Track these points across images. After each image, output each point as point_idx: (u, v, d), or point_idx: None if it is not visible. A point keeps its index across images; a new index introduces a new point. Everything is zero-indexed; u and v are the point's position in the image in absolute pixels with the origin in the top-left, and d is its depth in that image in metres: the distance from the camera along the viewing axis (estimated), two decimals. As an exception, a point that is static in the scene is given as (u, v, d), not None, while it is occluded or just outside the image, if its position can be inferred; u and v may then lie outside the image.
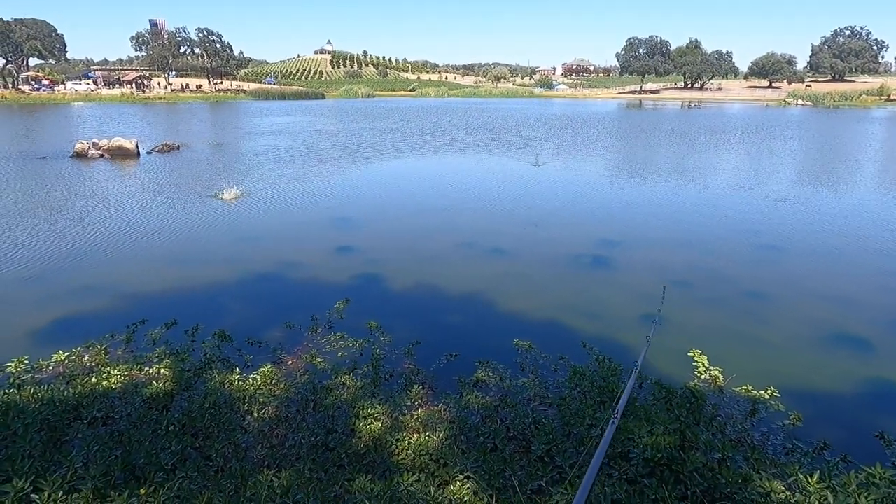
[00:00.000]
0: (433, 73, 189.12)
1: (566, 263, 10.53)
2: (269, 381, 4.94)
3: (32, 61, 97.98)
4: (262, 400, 4.63)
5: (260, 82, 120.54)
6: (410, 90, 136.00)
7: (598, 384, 4.86)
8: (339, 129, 41.36)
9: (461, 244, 11.64)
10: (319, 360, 5.60)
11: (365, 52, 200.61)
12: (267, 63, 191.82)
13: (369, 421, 4.28)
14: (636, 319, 7.83)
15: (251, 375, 4.99)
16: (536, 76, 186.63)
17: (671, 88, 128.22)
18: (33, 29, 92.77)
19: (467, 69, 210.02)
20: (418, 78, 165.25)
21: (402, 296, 8.72)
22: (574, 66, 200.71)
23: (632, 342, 6.92)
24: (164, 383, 4.71)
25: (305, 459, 3.82)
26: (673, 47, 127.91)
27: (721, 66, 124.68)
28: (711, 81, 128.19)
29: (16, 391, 4.29)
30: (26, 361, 5.00)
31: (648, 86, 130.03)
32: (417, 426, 4.26)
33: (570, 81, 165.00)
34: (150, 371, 4.99)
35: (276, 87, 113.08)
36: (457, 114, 62.44)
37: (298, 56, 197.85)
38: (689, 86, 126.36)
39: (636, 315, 7.97)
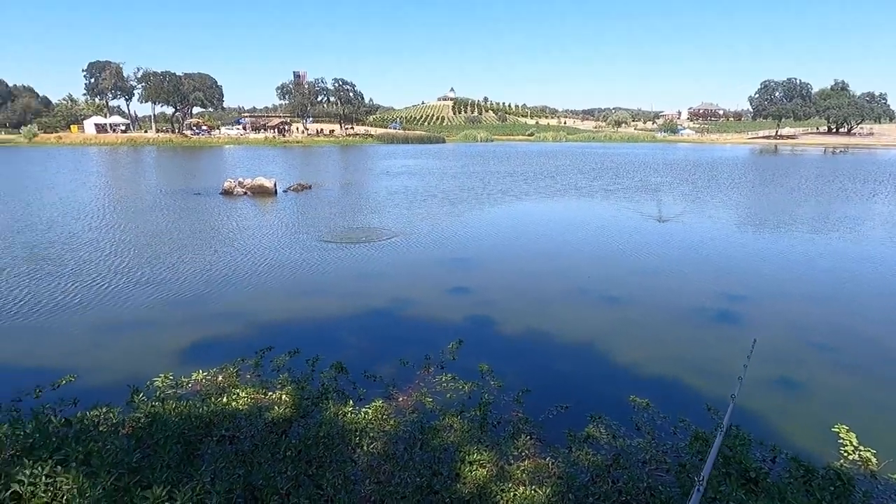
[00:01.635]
0: (552, 117, 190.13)
1: (688, 316, 9.88)
2: (379, 416, 5.05)
3: (196, 109, 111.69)
4: (372, 434, 4.74)
5: (386, 127, 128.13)
6: (528, 135, 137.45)
7: (723, 453, 4.45)
8: (461, 171, 42.59)
9: (576, 290, 11.36)
10: (429, 399, 5.65)
11: (485, 99, 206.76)
12: (393, 109, 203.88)
13: (475, 467, 4.22)
14: (767, 383, 7.12)
15: (363, 409, 5.13)
16: (660, 120, 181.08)
17: (812, 133, 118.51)
18: (198, 82, 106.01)
19: (587, 114, 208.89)
20: (536, 123, 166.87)
21: (514, 340, 8.63)
22: (701, 110, 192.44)
23: (760, 409, 6.29)
24: (285, 409, 4.98)
25: (410, 500, 3.83)
26: (815, 90, 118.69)
27: (873, 108, 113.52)
28: (861, 126, 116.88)
29: (160, 404, 4.73)
30: (170, 378, 5.53)
31: (785, 130, 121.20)
32: (523, 478, 4.13)
33: (697, 126, 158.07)
34: (274, 396, 5.29)
35: (400, 131, 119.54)
36: (576, 158, 61.98)
37: (423, 103, 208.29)
38: (835, 130, 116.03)
39: (767, 378, 7.26)
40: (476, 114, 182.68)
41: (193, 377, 5.79)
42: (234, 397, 5.10)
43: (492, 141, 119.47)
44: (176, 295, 10.55)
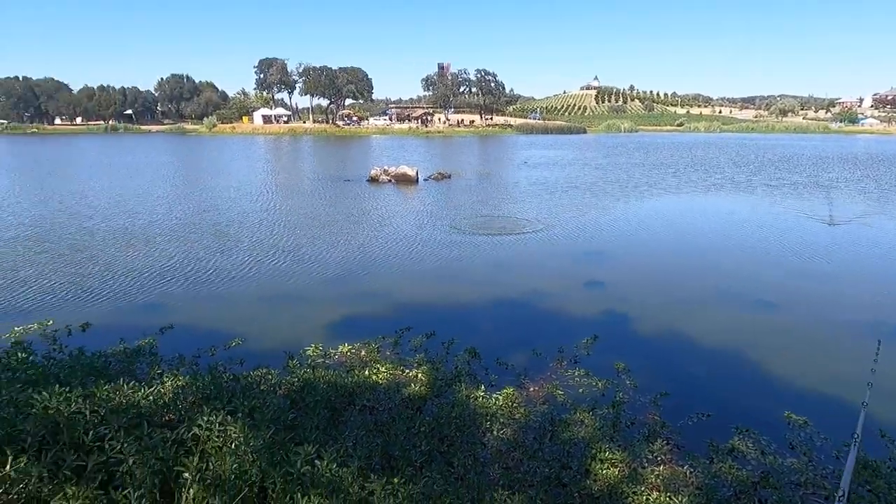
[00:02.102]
0: (705, 106, 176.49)
1: (857, 329, 8.73)
2: (510, 404, 5.10)
3: (347, 101, 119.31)
4: (502, 420, 4.80)
5: (526, 117, 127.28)
6: (678, 125, 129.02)
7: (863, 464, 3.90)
8: (603, 162, 41.24)
9: (724, 291, 10.53)
10: (560, 392, 5.59)
11: (632, 87, 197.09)
12: (534, 99, 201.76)
13: (606, 465, 4.11)
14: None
15: (494, 395, 5.21)
16: (835, 109, 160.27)
17: None
18: (351, 75, 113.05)
19: (746, 102, 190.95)
20: (687, 112, 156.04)
21: (652, 339, 8.22)
22: (890, 97, 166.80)
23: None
24: (420, 387, 5.20)
25: (538, 489, 3.83)
26: None
27: None
28: None
29: (311, 371, 5.16)
30: (320, 348, 6.02)
31: None
32: (658, 483, 3.95)
33: (884, 115, 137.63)
34: (410, 374, 5.55)
35: (540, 121, 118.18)
36: (733, 150, 57.09)
37: (564, 92, 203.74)
38: None
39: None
40: (620, 103, 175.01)
41: (340, 349, 6.25)
42: (374, 371, 5.43)
43: (636, 131, 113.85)
44: (328, 273, 11.44)
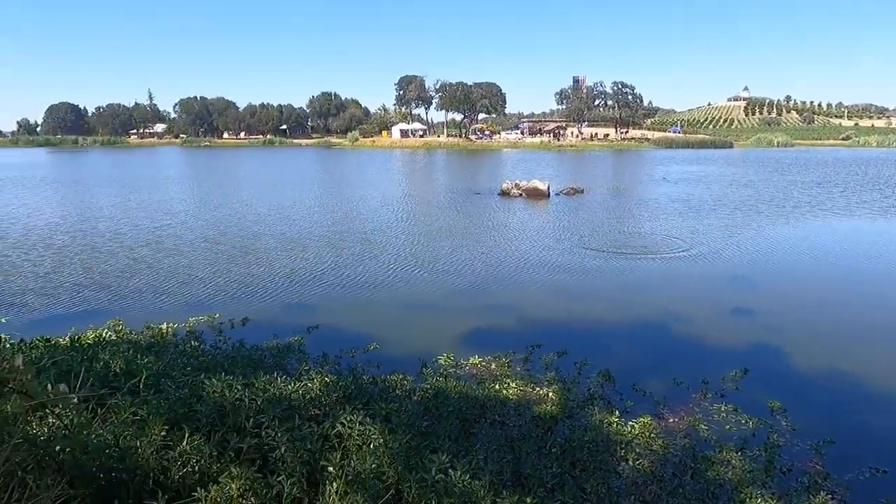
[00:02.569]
0: (878, 117, 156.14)
1: None
2: (646, 433, 4.81)
3: (481, 115, 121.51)
4: (637, 450, 4.54)
5: (665, 131, 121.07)
6: (843, 138, 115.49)
7: None
8: (754, 179, 37.96)
9: (903, 330, 9.17)
10: (703, 426, 5.18)
11: (788, 98, 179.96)
12: (674, 112, 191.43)
13: (758, 513, 3.73)
14: None
15: (630, 422, 4.95)
16: None
17: None
18: (486, 90, 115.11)
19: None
20: (856, 124, 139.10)
21: (812, 377, 7.36)
22: None
23: None
24: (551, 406, 5.09)
25: (679, 529, 3.57)
26: None
27: None
28: None
29: (443, 381, 5.25)
30: (452, 358, 6.12)
31: None
32: (822, 543, 3.51)
33: None
34: (541, 392, 5.45)
35: (680, 135, 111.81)
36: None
37: (709, 104, 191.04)
38: None
39: None
40: (774, 115, 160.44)
41: (470, 361, 6.31)
42: (505, 386, 5.40)
43: (791, 146, 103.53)
44: (461, 283, 11.67)
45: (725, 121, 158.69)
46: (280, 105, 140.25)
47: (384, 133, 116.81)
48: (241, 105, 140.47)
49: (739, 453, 4.66)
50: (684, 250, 15.30)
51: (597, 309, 10.14)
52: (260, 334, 6.83)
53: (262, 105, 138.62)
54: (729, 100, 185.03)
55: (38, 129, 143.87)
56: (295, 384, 4.35)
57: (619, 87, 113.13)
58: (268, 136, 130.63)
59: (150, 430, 3.05)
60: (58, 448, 2.63)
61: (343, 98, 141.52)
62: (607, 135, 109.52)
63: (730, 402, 5.67)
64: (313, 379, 4.57)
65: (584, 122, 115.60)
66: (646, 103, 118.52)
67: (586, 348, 7.50)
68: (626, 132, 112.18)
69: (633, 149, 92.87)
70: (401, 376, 5.28)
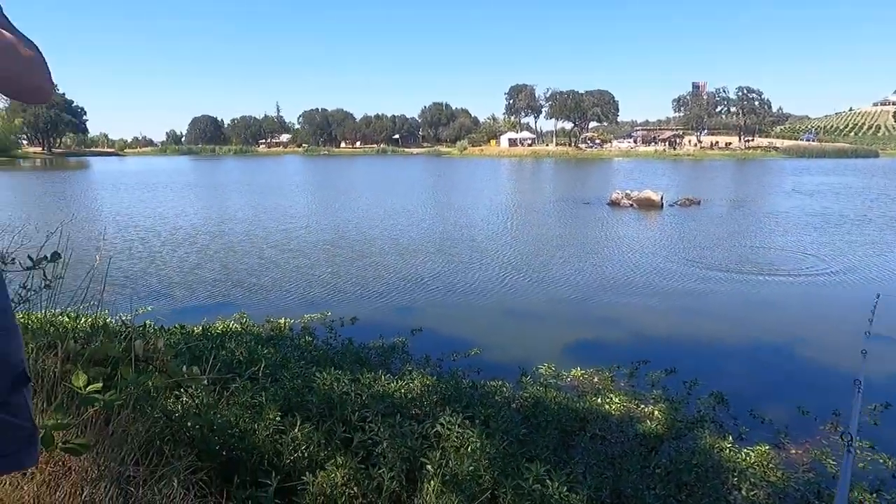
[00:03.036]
0: None
1: None
2: (764, 462, 4.47)
3: (591, 124, 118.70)
4: (752, 480, 4.23)
5: (796, 139, 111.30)
6: None
7: None
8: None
9: None
10: (831, 462, 4.72)
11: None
12: (808, 118, 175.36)
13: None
14: None
15: (744, 449, 4.62)
16: None
17: None
18: (597, 98, 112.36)
19: None
20: None
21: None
22: None
23: None
24: (656, 425, 4.87)
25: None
26: None
27: None
28: None
29: (543, 390, 5.21)
30: (553, 368, 6.06)
31: None
32: None
33: None
34: (645, 409, 5.24)
35: (814, 143, 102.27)
36: None
37: (850, 109, 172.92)
38: None
39: None
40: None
41: (571, 372, 6.20)
42: (607, 400, 5.26)
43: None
44: (564, 293, 11.48)
45: (870, 127, 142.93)
46: (393, 115, 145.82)
47: (492, 142, 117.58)
48: (358, 116, 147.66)
49: (875, 495, 4.20)
50: (819, 269, 13.95)
51: (712, 327, 9.53)
52: (367, 333, 7.16)
53: (377, 116, 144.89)
54: (875, 104, 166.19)
55: (183, 138, 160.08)
56: (398, 383, 4.52)
57: (745, 92, 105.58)
58: (381, 146, 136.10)
59: (266, 415, 3.32)
60: (189, 424, 2.94)
61: (453, 108, 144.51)
62: (728, 143, 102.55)
63: (866, 439, 5.12)
64: (415, 379, 4.72)
65: (704, 129, 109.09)
66: (774, 109, 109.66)
67: (698, 368, 7.07)
68: (752, 140, 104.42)
69: (758, 158, 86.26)
70: (500, 383, 5.31)
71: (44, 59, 1.32)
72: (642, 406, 5.31)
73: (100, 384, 2.06)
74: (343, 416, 3.60)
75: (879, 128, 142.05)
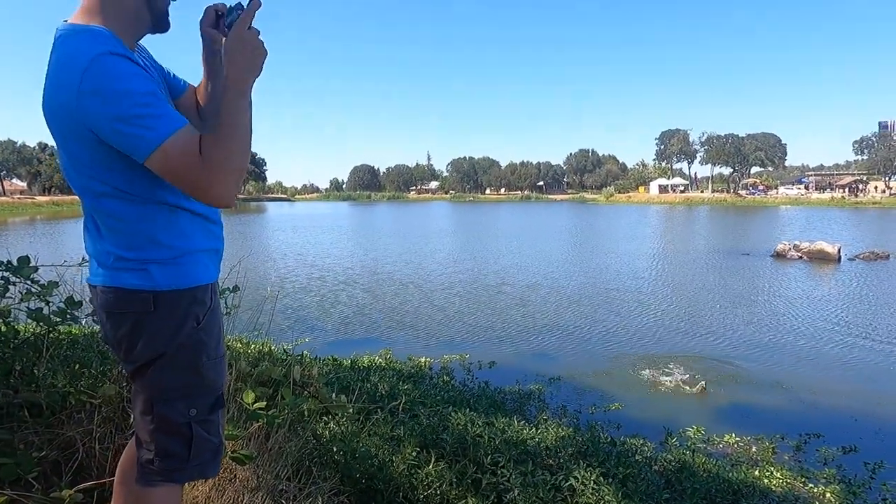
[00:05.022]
0: None
1: None
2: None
3: (753, 169, 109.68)
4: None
5: None
6: None
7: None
8: None
9: None
10: None
11: None
12: None
13: None
14: None
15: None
16: None
17: None
18: (761, 141, 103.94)
19: None
20: None
21: None
22: None
23: None
24: (830, 509, 4.26)
25: None
26: None
27: None
28: None
29: (689, 454, 4.82)
30: (703, 432, 5.57)
31: None
32: None
33: None
34: (815, 490, 4.62)
35: None
36: None
37: None
38: None
39: None
40: None
41: (724, 438, 5.66)
42: (766, 474, 4.72)
43: None
44: (718, 351, 10.58)
45: None
46: (538, 163, 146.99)
47: (641, 188, 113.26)
48: (504, 163, 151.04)
49: None
50: None
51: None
52: (504, 378, 7.16)
53: (522, 163, 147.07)
54: None
55: (344, 185, 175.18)
56: (532, 430, 4.47)
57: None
58: (525, 192, 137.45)
59: (403, 449, 3.46)
60: (335, 448, 3.16)
61: (600, 154, 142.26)
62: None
63: None
64: (550, 428, 4.64)
65: (895, 174, 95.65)
66: None
67: (884, 448, 6.07)
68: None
69: (968, 206, 73.35)
70: (642, 441, 5.02)
71: (243, 166, 1.52)
72: (811, 485, 4.69)
73: (263, 403, 2.33)
74: (475, 457, 3.63)
75: None
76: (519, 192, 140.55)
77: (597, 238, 36.17)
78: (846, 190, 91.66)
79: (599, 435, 4.77)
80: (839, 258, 23.68)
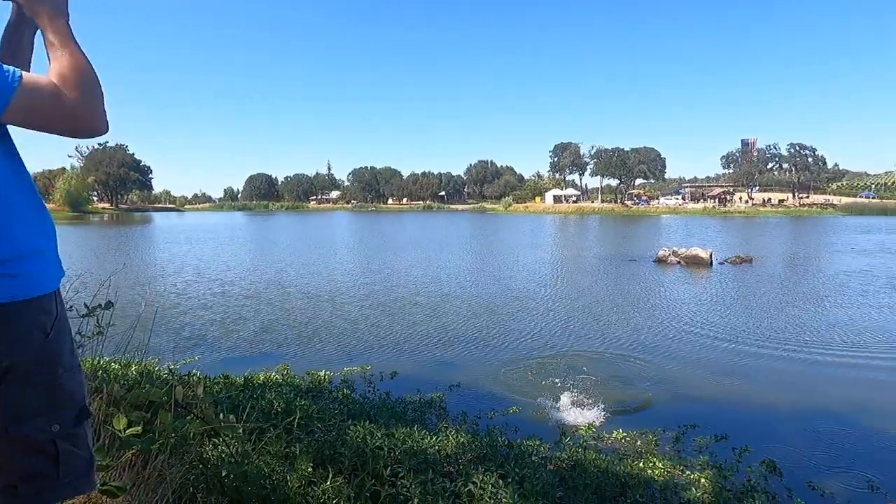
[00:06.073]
0: None
1: None
2: (822, 541, 4.16)
3: (638, 181, 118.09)
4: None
5: (854, 196, 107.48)
6: None
7: None
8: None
9: None
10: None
11: None
12: (867, 175, 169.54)
13: None
14: None
15: (802, 524, 4.33)
16: None
17: None
18: (643, 155, 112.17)
19: None
20: None
21: None
22: None
23: None
24: (702, 493, 4.62)
25: None
26: None
27: None
28: None
29: (581, 452, 5.05)
30: (593, 429, 5.86)
31: None
32: None
33: None
34: (691, 476, 4.99)
35: (875, 200, 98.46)
36: None
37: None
38: None
39: None
40: None
41: (613, 434, 5.99)
42: (650, 465, 5.04)
43: None
44: (607, 353, 11.20)
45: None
46: (440, 173, 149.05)
47: (537, 199, 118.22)
48: (405, 173, 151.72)
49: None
50: (880, 331, 13.20)
51: (766, 393, 9.05)
52: (405, 388, 7.14)
53: (424, 173, 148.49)
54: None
55: (239, 195, 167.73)
56: (432, 439, 4.49)
57: (797, 148, 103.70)
58: (427, 202, 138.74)
59: (299, 466, 3.34)
60: (224, 472, 2.99)
61: (498, 165, 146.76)
62: (781, 200, 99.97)
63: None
64: (450, 436, 4.67)
65: (755, 186, 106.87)
66: (830, 165, 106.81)
67: (750, 434, 6.69)
68: (807, 197, 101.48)
69: (814, 215, 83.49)
70: (538, 442, 5.18)
71: (99, 90, 1.53)
72: (688, 472, 5.06)
73: (139, 428, 2.15)
74: (375, 470, 3.59)
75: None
76: (421, 202, 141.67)
77: (497, 247, 37.22)
78: (716, 200, 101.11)
79: (498, 439, 4.88)
80: (711, 262, 26.04)
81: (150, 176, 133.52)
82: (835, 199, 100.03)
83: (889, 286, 19.96)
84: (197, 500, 2.57)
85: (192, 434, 2.78)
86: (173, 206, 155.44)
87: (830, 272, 24.06)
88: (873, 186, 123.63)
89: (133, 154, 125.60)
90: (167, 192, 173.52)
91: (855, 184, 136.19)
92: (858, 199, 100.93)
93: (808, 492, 5.19)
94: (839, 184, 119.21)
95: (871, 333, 12.93)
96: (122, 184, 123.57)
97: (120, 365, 4.38)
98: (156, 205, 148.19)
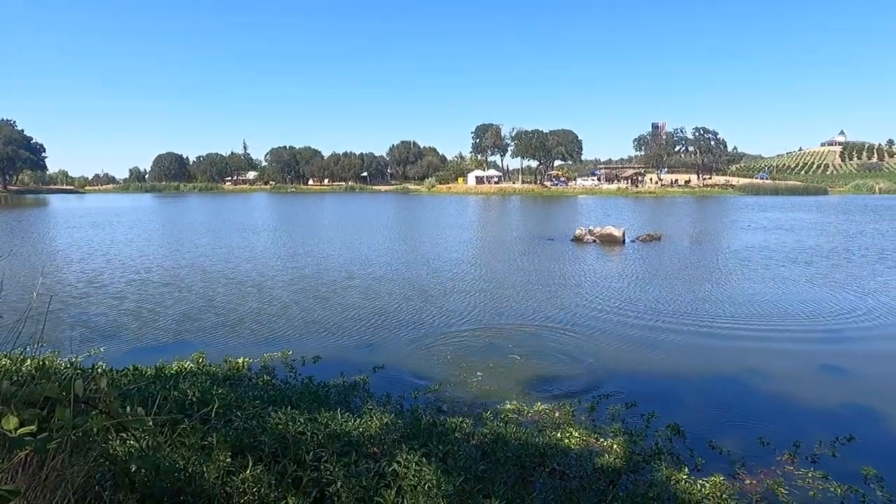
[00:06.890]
0: None
1: None
2: (718, 493, 4.52)
3: (556, 162, 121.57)
4: (709, 512, 4.27)
5: (751, 177, 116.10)
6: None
7: None
8: (854, 230, 35.09)
9: None
10: (783, 490, 4.80)
11: (890, 142, 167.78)
12: (761, 157, 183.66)
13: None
14: None
15: (700, 480, 4.67)
16: None
17: None
18: (561, 137, 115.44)
19: None
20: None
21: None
22: None
23: None
24: (615, 459, 4.89)
25: None
26: None
27: None
28: None
29: (503, 426, 5.20)
30: (515, 404, 6.05)
31: None
32: None
33: None
34: (604, 443, 5.27)
35: (768, 181, 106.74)
36: None
37: (800, 149, 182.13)
38: None
39: None
40: (875, 160, 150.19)
41: (534, 407, 6.21)
42: (567, 435, 5.27)
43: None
44: (528, 329, 11.54)
45: (818, 166, 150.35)
46: (362, 153, 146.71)
47: (460, 180, 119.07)
48: (326, 154, 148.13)
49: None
50: (775, 301, 14.41)
51: (672, 362, 9.68)
52: (329, 372, 7.05)
53: (345, 153, 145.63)
54: (823, 144, 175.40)
55: (147, 176, 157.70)
56: (356, 421, 4.47)
57: (701, 132, 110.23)
58: (349, 183, 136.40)
59: (216, 457, 3.23)
60: (133, 467, 2.84)
61: (421, 146, 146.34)
62: (687, 181, 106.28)
63: (820, 469, 5.23)
64: (374, 417, 4.66)
65: (664, 168, 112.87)
66: (730, 149, 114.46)
67: (658, 401, 7.16)
68: (709, 178, 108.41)
69: (715, 195, 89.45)
70: (461, 419, 5.28)
71: None
72: (601, 440, 5.34)
73: (33, 427, 2.00)
74: (297, 456, 3.53)
75: (827, 167, 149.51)
76: (343, 182, 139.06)
77: (421, 228, 37.27)
78: (629, 181, 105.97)
79: (422, 418, 4.94)
80: (624, 240, 27.38)
81: (44, 155, 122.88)
82: (734, 180, 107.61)
83: (787, 259, 21.81)
84: (103, 499, 2.43)
85: (95, 430, 2.61)
86: (72, 187, 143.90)
87: (733, 248, 25.95)
88: (767, 168, 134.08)
89: (22, 130, 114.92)
90: (64, 173, 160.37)
91: (752, 165, 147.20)
92: (754, 181, 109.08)
93: (709, 451, 5.62)
94: (738, 166, 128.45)
95: (766, 305, 14.09)
96: (11, 163, 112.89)
97: (11, 360, 4.04)
98: (51, 186, 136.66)
